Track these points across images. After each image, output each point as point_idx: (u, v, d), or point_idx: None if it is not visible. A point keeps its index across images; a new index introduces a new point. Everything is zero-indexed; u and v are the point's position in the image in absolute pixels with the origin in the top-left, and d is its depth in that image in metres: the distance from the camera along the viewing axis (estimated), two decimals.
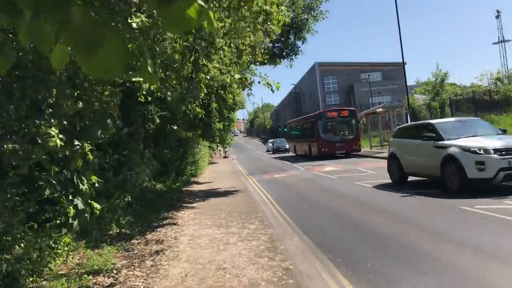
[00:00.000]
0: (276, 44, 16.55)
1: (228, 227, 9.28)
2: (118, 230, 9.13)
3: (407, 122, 27.84)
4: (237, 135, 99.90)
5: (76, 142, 7.55)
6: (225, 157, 51.61)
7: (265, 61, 16.91)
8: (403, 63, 28.46)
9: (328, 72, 68.18)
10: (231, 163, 38.92)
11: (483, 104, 31.07)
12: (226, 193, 15.60)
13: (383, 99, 62.20)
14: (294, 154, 37.98)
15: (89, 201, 7.64)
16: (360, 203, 11.20)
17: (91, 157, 7.44)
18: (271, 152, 49.01)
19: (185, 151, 21.26)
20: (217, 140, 21.24)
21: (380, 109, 32.26)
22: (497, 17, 50.26)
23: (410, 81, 72.93)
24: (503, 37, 48.89)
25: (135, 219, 10.14)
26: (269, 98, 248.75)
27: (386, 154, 28.29)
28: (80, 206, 7.46)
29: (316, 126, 30.08)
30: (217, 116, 12.11)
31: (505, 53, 65.47)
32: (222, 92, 10.14)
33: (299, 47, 16.65)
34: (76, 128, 7.47)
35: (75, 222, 7.44)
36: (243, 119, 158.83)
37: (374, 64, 69.24)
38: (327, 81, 68.49)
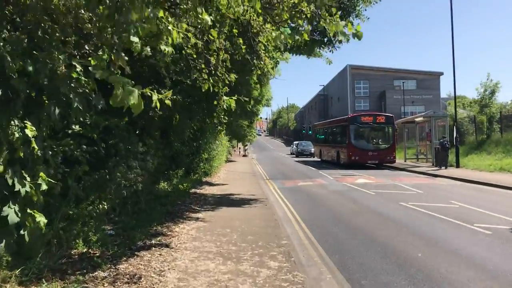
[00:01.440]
0: (317, 29, 13.67)
1: (239, 260, 6.49)
2: (85, 250, 6.47)
3: (454, 135, 24.64)
4: (260, 135, 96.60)
5: (16, 122, 4.93)
6: (244, 155, 48.95)
7: (302, 46, 14.13)
8: (454, 73, 25.07)
9: (360, 76, 64.80)
10: (250, 163, 36.17)
11: None
12: (241, 202, 12.84)
13: (416, 109, 58.75)
14: (319, 160, 34.97)
15: (30, 210, 4.96)
16: (420, 236, 8.28)
17: (36, 146, 4.80)
18: (294, 155, 46.04)
19: (199, 146, 18.62)
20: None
21: (421, 118, 29.01)
22: None
23: (443, 94, 69.07)
24: None
25: (114, 234, 7.48)
26: (294, 99, 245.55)
27: (424, 169, 25.35)
28: (13, 218, 4.82)
29: (347, 130, 27.07)
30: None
31: None
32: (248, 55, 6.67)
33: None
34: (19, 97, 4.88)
35: (1, 245, 4.80)
36: (266, 119, 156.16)
37: (409, 72, 65.68)
38: (358, 85, 65.12)
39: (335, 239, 8.27)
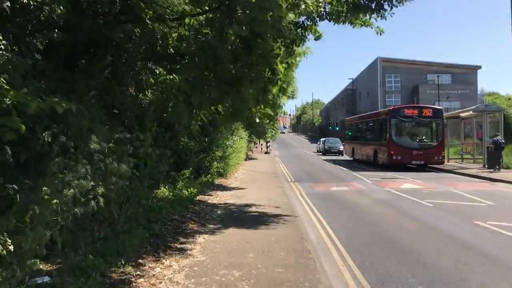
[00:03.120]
0: None
1: None
2: None
3: None
4: (284, 133, 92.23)
5: None
6: (266, 152, 45.80)
7: (344, 13, 10.92)
8: None
9: (391, 69, 60.77)
10: (272, 160, 33.04)
11: None
12: (259, 218, 9.63)
13: (451, 104, 54.52)
14: (351, 159, 31.21)
15: None
16: None
17: None
18: (321, 153, 42.50)
19: (211, 142, 15.60)
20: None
21: (468, 113, 25.28)
22: None
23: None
24: None
25: (48, 284, 4.50)
26: (319, 95, 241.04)
27: (475, 171, 21.63)
28: None
29: (388, 125, 23.12)
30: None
31: None
32: None
33: None
34: None
35: None
36: (290, 115, 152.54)
37: (443, 65, 61.38)
38: (389, 79, 61.10)
39: None
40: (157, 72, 8.80)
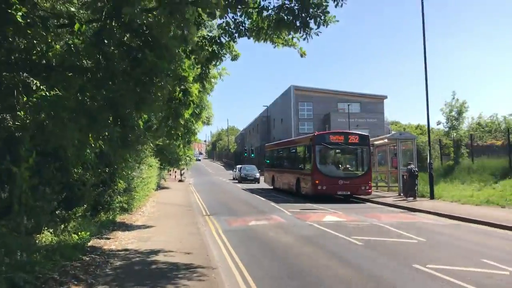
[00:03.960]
0: (287, 3, 9.27)
1: None
2: None
3: (428, 160, 21.28)
4: (199, 160, 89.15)
5: None
6: (180, 180, 43.52)
7: (264, 29, 9.77)
8: (426, 93, 21.48)
9: (304, 97, 62.13)
10: (186, 190, 31.01)
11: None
12: (166, 273, 7.50)
13: (361, 132, 56.56)
14: (271, 187, 29.82)
15: None
16: None
17: None
18: (237, 181, 41.13)
19: (113, 172, 13.48)
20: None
21: (383, 141, 25.52)
22: None
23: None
24: None
25: None
26: (234, 121, 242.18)
27: (392, 200, 21.36)
28: None
29: (312, 152, 21.58)
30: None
31: None
32: None
33: (326, 10, 9.27)
34: None
35: None
36: (205, 141, 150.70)
37: (353, 94, 64.06)
38: (301, 107, 62.38)
39: None
40: (34, 88, 6.79)
